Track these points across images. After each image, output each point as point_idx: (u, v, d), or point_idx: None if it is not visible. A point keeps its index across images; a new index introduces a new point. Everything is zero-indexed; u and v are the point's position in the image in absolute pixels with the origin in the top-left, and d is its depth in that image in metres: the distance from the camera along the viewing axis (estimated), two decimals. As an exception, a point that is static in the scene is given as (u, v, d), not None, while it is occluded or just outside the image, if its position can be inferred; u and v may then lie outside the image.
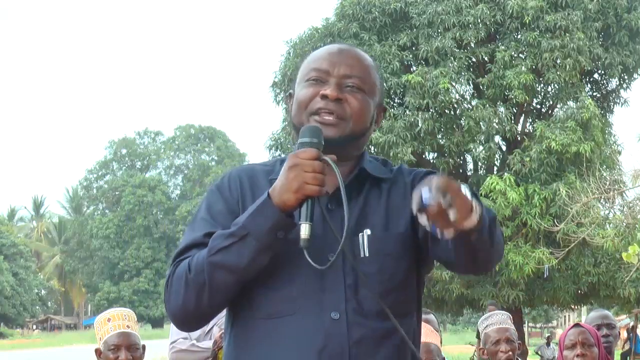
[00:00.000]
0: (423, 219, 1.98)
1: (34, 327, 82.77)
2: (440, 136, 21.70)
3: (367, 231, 2.24)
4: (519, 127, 22.03)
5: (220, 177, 2.39)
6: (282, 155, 2.51)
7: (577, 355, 4.28)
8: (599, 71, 22.93)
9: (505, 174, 20.30)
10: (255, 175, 2.36)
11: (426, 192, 1.96)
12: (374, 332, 2.19)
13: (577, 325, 4.42)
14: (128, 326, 3.99)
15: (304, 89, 2.32)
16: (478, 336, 13.46)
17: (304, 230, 2.13)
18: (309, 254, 2.12)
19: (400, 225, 2.27)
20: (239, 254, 2.14)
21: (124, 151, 78.96)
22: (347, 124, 2.28)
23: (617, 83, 23.11)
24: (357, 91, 2.31)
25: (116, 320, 3.99)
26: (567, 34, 20.57)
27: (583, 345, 4.30)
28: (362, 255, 2.23)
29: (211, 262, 2.16)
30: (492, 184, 19.59)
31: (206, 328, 4.90)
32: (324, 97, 2.27)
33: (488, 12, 20.92)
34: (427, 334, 4.22)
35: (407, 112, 20.85)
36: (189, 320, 2.27)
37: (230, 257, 2.15)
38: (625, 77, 22.70)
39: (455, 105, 21.67)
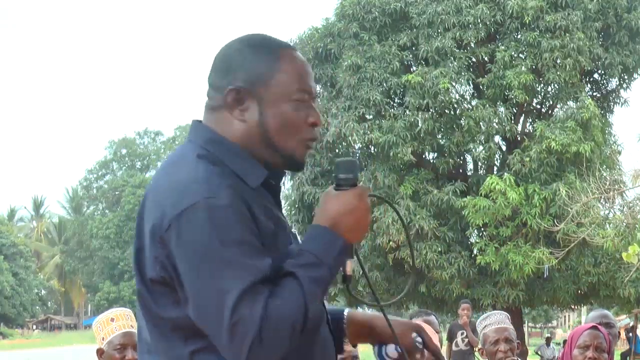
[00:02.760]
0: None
1: (34, 327, 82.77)
2: (440, 136, 21.69)
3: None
4: (519, 127, 22.02)
5: (220, 193, 1.99)
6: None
7: (589, 358, 4.26)
8: (599, 71, 22.92)
9: (505, 174, 20.29)
10: (247, 200, 2.05)
11: (392, 348, 2.27)
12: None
13: (595, 327, 4.38)
14: (132, 326, 4.00)
15: (293, 110, 2.14)
16: (449, 339, 12.87)
17: (350, 266, 2.13)
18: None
19: None
20: (320, 298, 2.09)
21: (124, 151, 79.01)
22: None
23: (617, 83, 23.10)
24: None
25: (120, 320, 3.99)
26: (567, 34, 20.56)
27: (597, 349, 4.27)
28: None
29: (312, 311, 2.01)
30: (492, 184, 19.58)
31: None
32: (314, 125, 2.18)
33: (488, 12, 20.91)
34: (427, 334, 4.22)
35: (407, 112, 20.83)
36: None
37: (317, 305, 2.08)
38: (625, 77, 22.68)
39: (455, 105, 21.65)
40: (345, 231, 2.07)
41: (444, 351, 13.78)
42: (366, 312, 2.39)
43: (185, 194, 1.99)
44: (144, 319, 2.11)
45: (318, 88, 22.66)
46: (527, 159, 20.19)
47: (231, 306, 1.91)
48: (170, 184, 2.04)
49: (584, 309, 33.73)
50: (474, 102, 21.65)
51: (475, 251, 21.09)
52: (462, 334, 12.01)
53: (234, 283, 1.93)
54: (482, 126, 20.88)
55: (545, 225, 19.29)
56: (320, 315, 2.14)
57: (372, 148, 21.38)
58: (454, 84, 21.26)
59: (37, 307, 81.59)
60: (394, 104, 22.02)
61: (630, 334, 25.32)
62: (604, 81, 23.42)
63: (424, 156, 21.88)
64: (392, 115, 20.79)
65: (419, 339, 2.24)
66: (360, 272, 2.24)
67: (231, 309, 1.91)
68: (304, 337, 2.02)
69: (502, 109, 21.20)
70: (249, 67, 2.13)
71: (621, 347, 30.21)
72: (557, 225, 18.90)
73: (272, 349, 1.93)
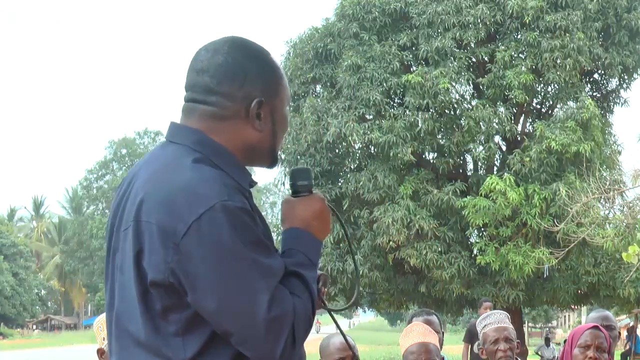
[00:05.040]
0: None
1: (34, 327, 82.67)
2: (440, 136, 21.68)
3: None
4: (519, 127, 22.02)
5: (233, 196, 2.02)
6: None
7: (589, 358, 4.25)
8: (599, 71, 22.92)
9: (505, 174, 20.29)
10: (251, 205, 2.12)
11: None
12: None
13: (596, 327, 4.37)
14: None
15: (288, 115, 2.26)
16: (470, 340, 12.37)
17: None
18: None
19: None
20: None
21: (124, 151, 78.95)
22: None
23: (617, 83, 23.10)
24: None
25: None
26: (567, 34, 20.56)
27: (597, 349, 4.26)
28: None
29: (314, 309, 2.12)
30: (492, 184, 19.58)
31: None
32: None
33: (488, 12, 20.91)
34: (426, 334, 4.22)
35: (407, 112, 20.83)
36: None
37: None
38: (625, 77, 22.68)
39: (455, 105, 21.65)
40: (317, 233, 2.16)
41: (462, 353, 13.36)
42: None
43: (199, 197, 1.98)
44: (141, 317, 2.06)
45: (318, 88, 22.71)
46: (527, 159, 20.19)
47: (266, 305, 1.96)
48: (178, 186, 2.01)
49: (584, 309, 33.75)
50: (474, 102, 21.65)
51: (475, 251, 21.09)
52: None
53: (263, 283, 1.98)
54: (482, 126, 20.88)
55: (545, 225, 19.29)
56: None
57: (372, 148, 21.38)
58: (454, 84, 21.26)
59: (37, 307, 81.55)
60: (394, 104, 22.01)
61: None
62: (604, 81, 23.42)
63: (424, 156, 21.88)
64: (392, 115, 20.78)
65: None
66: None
67: (266, 308, 1.97)
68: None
69: (502, 109, 21.20)
70: (265, 78, 2.18)
71: (623, 346, 30.15)
72: (557, 225, 18.90)
73: (300, 344, 2.04)
